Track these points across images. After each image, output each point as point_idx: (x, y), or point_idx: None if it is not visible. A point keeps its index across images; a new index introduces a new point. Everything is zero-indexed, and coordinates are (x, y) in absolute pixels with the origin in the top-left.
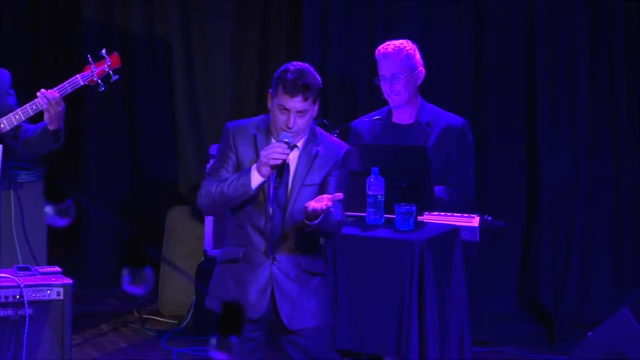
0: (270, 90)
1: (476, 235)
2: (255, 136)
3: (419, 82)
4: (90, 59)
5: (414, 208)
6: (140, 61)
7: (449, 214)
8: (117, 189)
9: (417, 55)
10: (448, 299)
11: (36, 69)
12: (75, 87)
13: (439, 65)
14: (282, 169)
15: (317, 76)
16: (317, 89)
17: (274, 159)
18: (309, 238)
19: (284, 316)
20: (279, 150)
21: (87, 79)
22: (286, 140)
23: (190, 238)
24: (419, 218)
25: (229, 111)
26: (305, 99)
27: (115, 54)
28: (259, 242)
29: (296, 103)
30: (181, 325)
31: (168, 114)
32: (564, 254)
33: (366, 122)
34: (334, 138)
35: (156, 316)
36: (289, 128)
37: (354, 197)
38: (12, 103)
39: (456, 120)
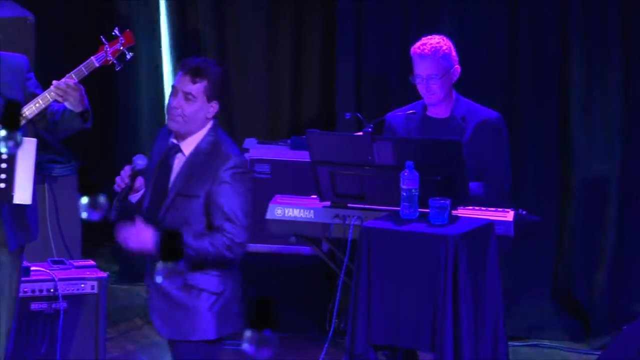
0: None
1: (510, 229)
2: (162, 136)
3: (455, 79)
4: (103, 40)
5: (448, 202)
6: (173, 56)
7: (483, 208)
8: None
9: (453, 53)
10: (482, 293)
11: (71, 64)
12: (91, 69)
13: (472, 59)
14: (123, 191)
15: (217, 70)
16: (212, 80)
17: (116, 182)
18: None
19: (155, 323)
20: (122, 173)
21: (101, 59)
22: (137, 163)
23: None
24: (453, 212)
25: (262, 106)
26: (194, 82)
27: (128, 32)
28: None
29: (184, 82)
30: None
31: None
32: (598, 247)
33: (400, 116)
34: (235, 149)
35: None
36: (173, 109)
37: (388, 191)
38: (32, 88)
39: (491, 114)
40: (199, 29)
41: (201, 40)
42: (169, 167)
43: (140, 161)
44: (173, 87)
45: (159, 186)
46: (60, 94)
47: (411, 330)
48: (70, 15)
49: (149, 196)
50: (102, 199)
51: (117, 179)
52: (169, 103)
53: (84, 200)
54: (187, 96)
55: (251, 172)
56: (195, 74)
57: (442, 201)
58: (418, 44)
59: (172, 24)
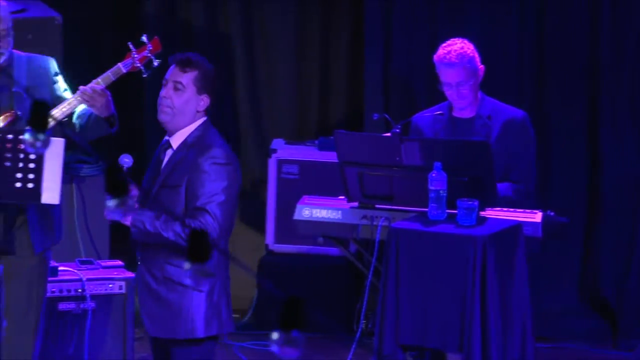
0: None
1: (538, 230)
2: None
3: (481, 79)
4: (131, 46)
5: (476, 203)
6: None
7: (511, 209)
8: None
9: (476, 54)
10: (510, 295)
11: (99, 64)
12: (118, 76)
13: (501, 59)
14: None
15: (208, 64)
16: (202, 71)
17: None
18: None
19: (144, 317)
20: None
21: (128, 66)
22: (124, 161)
23: (251, 232)
24: (481, 213)
25: (290, 107)
26: (184, 71)
27: (156, 39)
28: None
29: (175, 72)
30: (243, 320)
31: (229, 109)
32: (626, 248)
33: (427, 117)
34: (219, 142)
35: None
36: (163, 99)
37: (416, 192)
38: (60, 91)
39: (517, 113)
40: (228, 32)
41: (231, 42)
42: (159, 163)
43: (126, 159)
44: (164, 79)
45: (149, 182)
46: (86, 99)
47: (439, 330)
48: (98, 16)
49: (140, 191)
50: (129, 200)
51: None
52: (159, 95)
53: (112, 200)
54: (177, 85)
55: (231, 165)
56: (186, 64)
57: (470, 202)
58: (441, 52)
59: (200, 26)
